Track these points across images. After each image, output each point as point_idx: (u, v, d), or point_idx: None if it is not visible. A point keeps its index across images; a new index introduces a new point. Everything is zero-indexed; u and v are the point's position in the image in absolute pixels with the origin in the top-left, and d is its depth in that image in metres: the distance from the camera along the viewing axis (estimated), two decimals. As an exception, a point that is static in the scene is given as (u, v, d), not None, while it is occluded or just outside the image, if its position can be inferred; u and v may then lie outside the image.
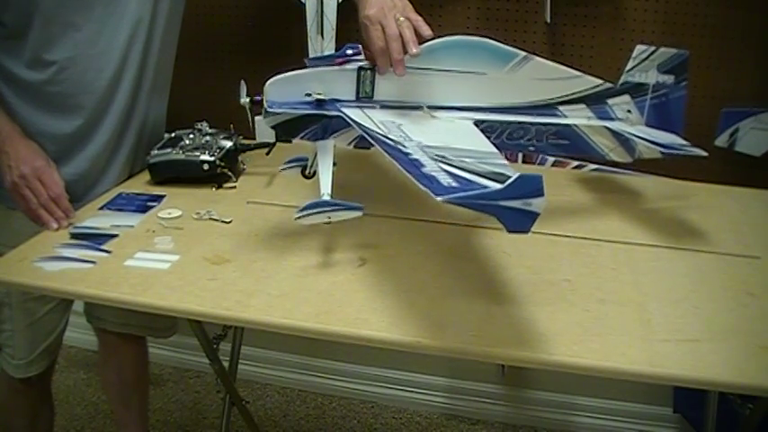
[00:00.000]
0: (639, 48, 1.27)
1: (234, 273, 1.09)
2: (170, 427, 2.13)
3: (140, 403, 1.75)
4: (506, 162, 0.93)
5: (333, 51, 1.67)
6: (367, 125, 1.07)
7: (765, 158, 1.59)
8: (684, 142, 1.26)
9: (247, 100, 1.19)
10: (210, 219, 1.28)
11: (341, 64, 1.16)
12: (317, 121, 1.12)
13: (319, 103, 1.11)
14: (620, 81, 1.28)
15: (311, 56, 1.68)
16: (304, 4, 1.65)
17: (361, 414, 2.19)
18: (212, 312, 1.01)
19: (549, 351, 0.91)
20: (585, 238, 1.24)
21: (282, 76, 1.11)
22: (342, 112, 1.10)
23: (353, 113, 1.10)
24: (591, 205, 1.40)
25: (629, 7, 1.61)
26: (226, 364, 1.69)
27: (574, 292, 1.06)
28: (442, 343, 0.94)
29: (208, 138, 1.46)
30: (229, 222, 1.27)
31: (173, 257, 1.13)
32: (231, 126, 1.48)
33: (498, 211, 0.80)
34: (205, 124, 1.51)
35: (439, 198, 0.81)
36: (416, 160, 0.93)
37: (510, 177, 0.81)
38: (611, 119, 1.28)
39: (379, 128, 1.06)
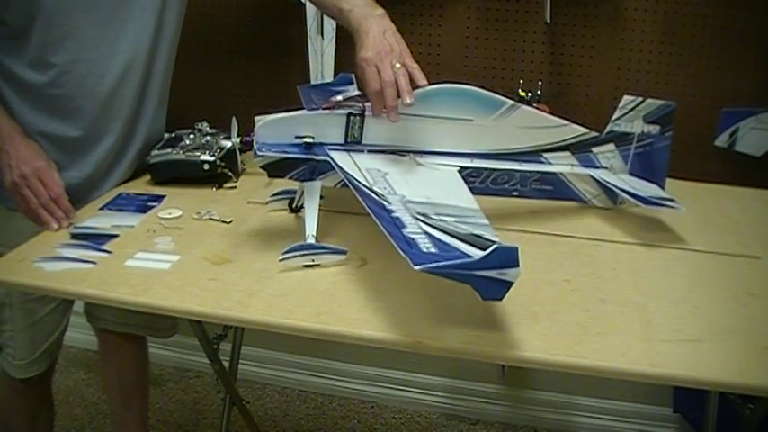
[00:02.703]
0: (626, 98, 1.28)
1: (234, 273, 1.09)
2: (170, 427, 2.13)
3: (140, 403, 1.75)
4: (487, 222, 0.96)
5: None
6: (353, 174, 1.08)
7: (765, 158, 1.59)
8: (665, 195, 1.28)
9: (237, 140, 1.21)
10: (211, 219, 1.28)
11: (334, 96, 1.16)
12: (305, 163, 1.13)
13: (308, 147, 1.12)
14: (606, 130, 1.30)
15: (311, 81, 1.69)
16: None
17: (361, 414, 2.19)
18: (212, 312, 1.01)
19: (549, 351, 0.91)
20: (585, 238, 1.24)
21: (273, 117, 1.11)
22: (329, 156, 1.11)
23: (340, 159, 1.11)
24: (591, 205, 1.40)
25: (629, 7, 1.61)
26: (226, 364, 1.69)
27: (574, 292, 1.06)
28: (442, 343, 0.94)
29: (208, 138, 1.46)
30: (229, 222, 1.27)
31: (173, 257, 1.13)
32: (231, 126, 1.48)
33: (474, 281, 0.83)
34: (205, 124, 1.51)
35: (417, 268, 0.83)
36: (398, 219, 0.96)
37: (488, 241, 0.85)
38: (596, 167, 1.31)
39: (365, 177, 1.07)
